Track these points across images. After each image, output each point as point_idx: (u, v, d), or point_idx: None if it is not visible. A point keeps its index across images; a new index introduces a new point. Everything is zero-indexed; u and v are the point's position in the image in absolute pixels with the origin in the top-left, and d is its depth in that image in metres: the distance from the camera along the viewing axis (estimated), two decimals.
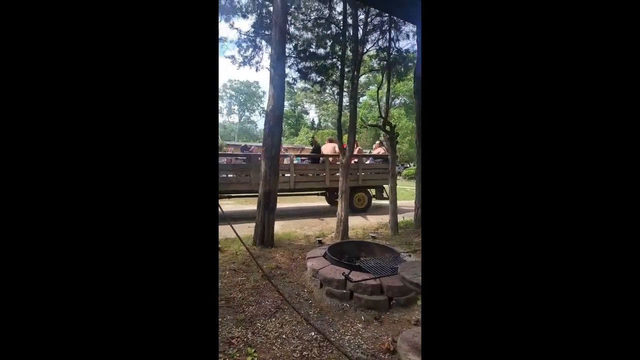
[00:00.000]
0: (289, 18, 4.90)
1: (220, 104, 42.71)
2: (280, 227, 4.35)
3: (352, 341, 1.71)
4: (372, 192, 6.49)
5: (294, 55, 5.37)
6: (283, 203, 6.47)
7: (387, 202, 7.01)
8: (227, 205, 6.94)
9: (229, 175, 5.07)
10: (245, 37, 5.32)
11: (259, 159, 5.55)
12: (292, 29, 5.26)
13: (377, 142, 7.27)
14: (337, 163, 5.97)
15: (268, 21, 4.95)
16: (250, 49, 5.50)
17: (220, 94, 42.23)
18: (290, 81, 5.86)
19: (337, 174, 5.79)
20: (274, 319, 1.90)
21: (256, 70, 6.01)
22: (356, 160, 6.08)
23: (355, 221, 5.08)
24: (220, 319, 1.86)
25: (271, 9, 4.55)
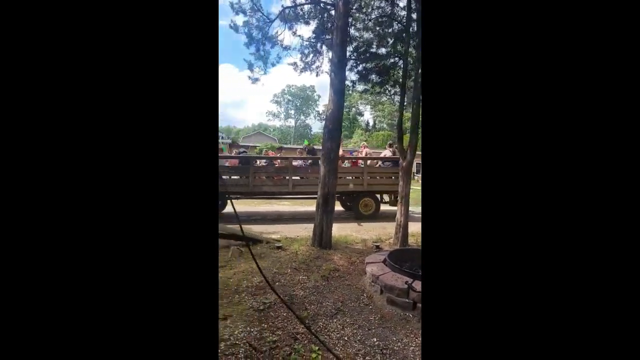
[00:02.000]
0: (350, 20, 4.92)
1: (279, 109, 45.05)
2: (336, 230, 4.38)
3: (417, 353, 1.63)
4: (387, 197, 5.98)
5: (353, 58, 5.37)
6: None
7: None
8: (283, 206, 7.27)
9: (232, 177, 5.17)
10: (307, 43, 5.52)
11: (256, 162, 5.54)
12: (352, 31, 5.27)
13: (388, 144, 6.62)
14: (343, 166, 5.67)
15: (329, 25, 5.05)
16: (311, 55, 5.68)
17: (278, 99, 44.56)
18: (349, 84, 5.87)
19: (348, 177, 5.52)
20: (335, 320, 1.91)
21: (316, 75, 6.15)
22: (361, 163, 5.63)
23: (415, 227, 4.86)
24: (285, 314, 1.95)
25: (333, 12, 4.63)
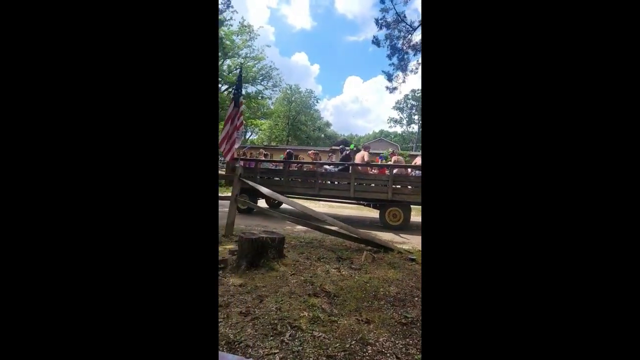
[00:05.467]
0: None
1: (400, 115, 43.96)
2: None
3: None
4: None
5: None
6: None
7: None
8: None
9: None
10: None
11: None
12: None
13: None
14: (371, 172, 5.48)
15: None
16: None
17: (400, 106, 43.51)
18: None
19: (372, 185, 5.34)
20: None
21: None
22: (387, 171, 5.33)
23: None
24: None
25: None
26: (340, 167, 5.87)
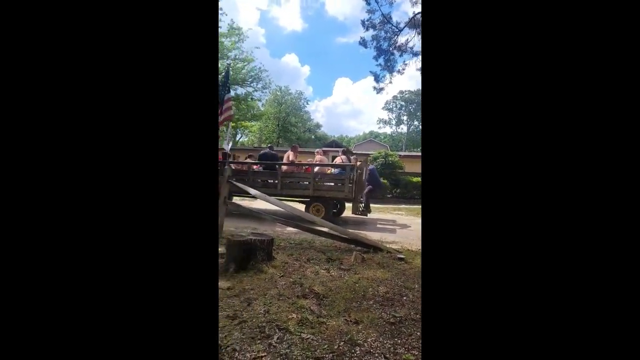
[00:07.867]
0: None
1: (390, 116, 44.43)
2: None
3: None
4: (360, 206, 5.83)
5: None
6: None
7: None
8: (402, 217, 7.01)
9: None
10: None
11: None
12: None
13: (342, 150, 6.06)
14: (301, 171, 5.84)
15: None
16: None
17: (389, 106, 43.97)
18: None
19: (298, 182, 5.63)
20: None
21: None
22: (308, 169, 5.68)
23: None
24: (419, 333, 1.85)
25: None
26: (264, 167, 6.20)
